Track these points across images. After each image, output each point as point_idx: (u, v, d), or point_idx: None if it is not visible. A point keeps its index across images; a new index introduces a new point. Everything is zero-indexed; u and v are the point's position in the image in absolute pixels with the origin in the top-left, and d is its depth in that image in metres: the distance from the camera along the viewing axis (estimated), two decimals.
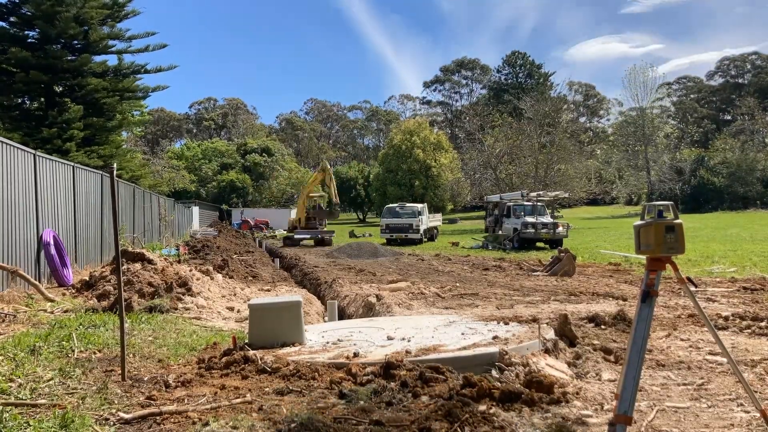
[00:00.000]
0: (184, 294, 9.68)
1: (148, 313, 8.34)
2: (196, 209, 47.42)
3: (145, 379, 4.98)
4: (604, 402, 4.68)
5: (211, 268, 12.73)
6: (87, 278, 11.08)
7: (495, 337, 6.01)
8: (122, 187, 18.76)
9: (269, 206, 66.85)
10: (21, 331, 6.63)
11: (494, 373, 5.10)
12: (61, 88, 24.10)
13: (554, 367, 5.41)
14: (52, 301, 9.20)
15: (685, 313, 8.75)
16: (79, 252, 13.48)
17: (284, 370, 5.02)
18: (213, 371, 5.22)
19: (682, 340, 6.96)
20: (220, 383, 4.80)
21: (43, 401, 4.19)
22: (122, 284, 5.50)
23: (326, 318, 10.38)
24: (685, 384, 5.25)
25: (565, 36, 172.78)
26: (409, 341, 6.01)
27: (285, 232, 49.71)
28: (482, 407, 4.22)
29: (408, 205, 33.53)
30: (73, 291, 10.59)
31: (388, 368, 4.91)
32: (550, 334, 6.23)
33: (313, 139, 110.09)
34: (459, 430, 3.79)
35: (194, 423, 3.84)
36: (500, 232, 27.42)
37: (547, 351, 5.83)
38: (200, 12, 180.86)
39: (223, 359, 5.42)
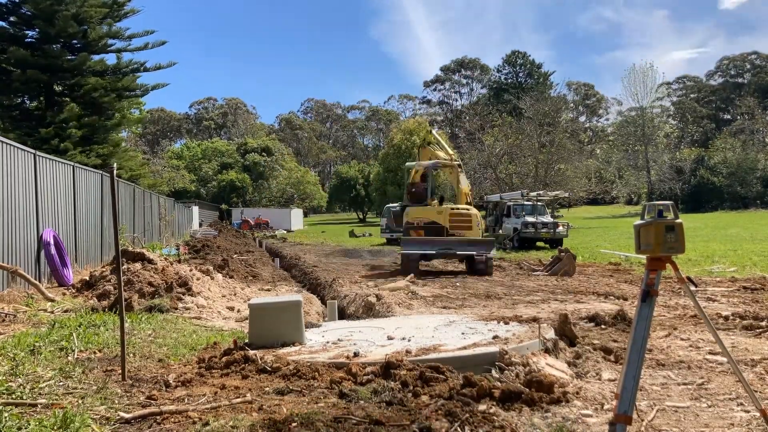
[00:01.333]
0: (184, 294, 9.68)
1: (148, 313, 8.34)
2: (195, 209, 47.42)
3: (145, 378, 4.98)
4: (604, 402, 4.68)
5: (211, 268, 12.74)
6: (87, 278, 11.08)
7: (495, 337, 6.01)
8: (122, 187, 18.76)
9: (269, 206, 66.87)
10: (21, 331, 6.62)
11: (494, 372, 5.10)
12: (60, 88, 24.10)
13: (554, 367, 5.41)
14: (52, 300, 9.20)
15: (685, 312, 8.75)
16: (79, 252, 13.48)
17: (284, 369, 5.02)
18: (213, 371, 5.22)
19: (682, 339, 6.96)
20: (221, 383, 4.80)
21: (42, 401, 4.19)
22: (122, 284, 5.50)
23: (326, 318, 10.38)
24: (685, 383, 5.26)
25: None
26: (409, 341, 6.02)
27: (285, 232, 49.82)
28: (482, 407, 4.22)
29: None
30: (74, 291, 10.59)
31: (388, 368, 4.91)
32: (551, 333, 6.23)
33: (313, 138, 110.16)
34: (459, 429, 3.79)
35: (194, 423, 3.84)
36: (500, 232, 27.42)
37: (547, 351, 5.83)
38: (200, 12, 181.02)
39: (224, 359, 5.42)
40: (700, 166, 63.52)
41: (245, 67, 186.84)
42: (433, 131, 21.44)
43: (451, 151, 19.58)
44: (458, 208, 16.88)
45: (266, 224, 51.67)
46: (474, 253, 15.24)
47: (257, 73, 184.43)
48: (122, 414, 4.00)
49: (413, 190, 17.67)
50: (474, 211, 17.25)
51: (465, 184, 18.16)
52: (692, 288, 4.86)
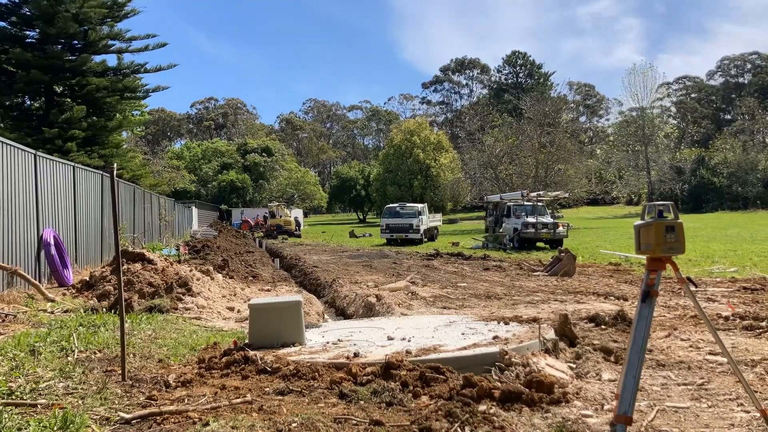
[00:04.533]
0: (184, 294, 9.68)
1: (148, 313, 8.35)
2: (195, 209, 47.43)
3: (146, 379, 4.98)
4: (604, 402, 4.68)
5: (211, 268, 12.73)
6: (87, 278, 11.07)
7: (495, 337, 6.01)
8: (122, 187, 18.76)
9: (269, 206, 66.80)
10: (21, 331, 6.62)
11: (494, 373, 5.10)
12: (61, 88, 24.08)
13: (554, 367, 5.40)
14: (52, 301, 9.20)
15: (685, 313, 8.75)
16: (79, 252, 13.48)
17: (284, 370, 5.02)
18: (213, 371, 5.22)
19: (682, 340, 6.96)
20: (221, 383, 4.80)
21: (42, 401, 4.19)
22: (122, 284, 5.50)
23: (326, 318, 10.38)
24: (685, 384, 5.25)
25: None
26: (409, 341, 6.02)
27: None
28: (482, 407, 4.22)
29: (408, 205, 33.49)
30: (74, 291, 10.59)
31: (388, 368, 4.91)
32: (551, 334, 6.23)
33: (313, 138, 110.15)
34: (459, 430, 3.79)
35: (194, 423, 3.84)
36: (500, 232, 27.42)
37: (547, 351, 5.83)
38: (200, 12, 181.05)
39: (224, 359, 5.42)
40: (701, 167, 63.53)
41: (246, 68, 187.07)
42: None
43: (285, 210, 48.64)
44: (286, 219, 45.54)
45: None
46: (286, 231, 43.12)
47: (258, 74, 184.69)
48: (122, 414, 4.00)
49: (271, 215, 46.89)
50: (291, 219, 45.67)
51: (288, 212, 47.75)
52: (692, 288, 4.87)
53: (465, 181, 54.48)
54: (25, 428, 3.64)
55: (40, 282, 10.31)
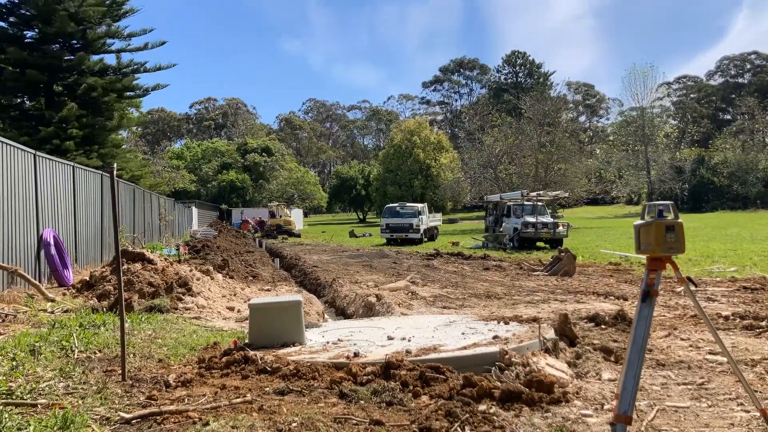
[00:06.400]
0: (184, 294, 9.67)
1: (148, 313, 8.35)
2: (195, 209, 47.41)
3: (146, 378, 4.98)
4: (604, 402, 4.68)
5: (211, 268, 12.73)
6: (87, 278, 11.07)
7: (495, 337, 6.01)
8: (122, 187, 18.75)
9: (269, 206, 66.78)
10: (21, 331, 6.62)
11: (494, 372, 5.10)
12: (60, 88, 24.08)
13: (554, 367, 5.40)
14: (52, 301, 9.20)
15: (685, 312, 8.75)
16: (79, 252, 13.48)
17: (284, 370, 5.02)
18: (213, 371, 5.22)
19: (682, 339, 6.96)
20: (221, 383, 4.80)
21: (43, 401, 4.19)
22: (122, 284, 5.49)
23: (326, 317, 10.38)
24: (685, 383, 5.26)
25: None
26: (409, 341, 6.01)
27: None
28: (482, 407, 4.23)
29: (408, 204, 33.48)
30: (74, 291, 10.59)
31: (388, 368, 4.91)
32: (551, 333, 6.23)
33: (313, 138, 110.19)
34: (459, 430, 3.79)
35: (194, 423, 3.84)
36: (501, 231, 27.41)
37: (547, 351, 5.83)
38: (200, 11, 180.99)
39: (224, 359, 5.42)
40: (700, 166, 63.58)
41: (245, 67, 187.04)
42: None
43: (285, 210, 50.25)
44: (286, 219, 47.16)
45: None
46: (286, 231, 43.81)
47: (258, 73, 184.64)
48: (122, 414, 4.00)
49: (271, 215, 47.97)
50: (292, 219, 48.04)
51: (288, 212, 49.39)
52: (692, 288, 4.87)
53: (465, 180, 54.43)
54: (25, 428, 3.64)
55: (40, 282, 10.31)
